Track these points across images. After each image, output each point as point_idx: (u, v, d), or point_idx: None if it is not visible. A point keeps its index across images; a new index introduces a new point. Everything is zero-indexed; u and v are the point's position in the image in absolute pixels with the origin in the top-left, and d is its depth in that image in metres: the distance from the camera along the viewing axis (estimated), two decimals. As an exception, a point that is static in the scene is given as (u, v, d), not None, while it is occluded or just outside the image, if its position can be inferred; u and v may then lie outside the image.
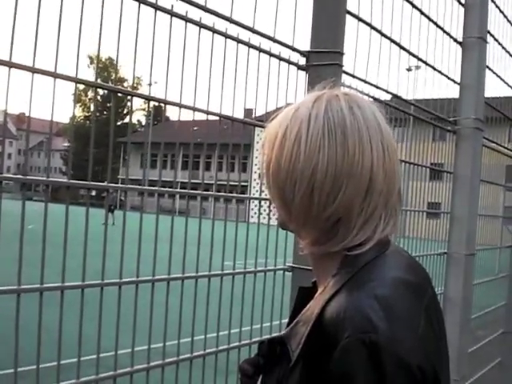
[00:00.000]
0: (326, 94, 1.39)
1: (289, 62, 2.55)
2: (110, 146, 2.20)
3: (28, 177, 1.88)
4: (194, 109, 2.24)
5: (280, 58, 2.52)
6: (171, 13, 2.11)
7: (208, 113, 2.30)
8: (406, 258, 1.41)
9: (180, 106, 2.19)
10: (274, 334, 1.42)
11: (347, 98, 1.37)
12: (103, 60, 76.80)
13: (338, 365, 1.19)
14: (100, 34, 1.98)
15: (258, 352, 1.46)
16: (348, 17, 2.67)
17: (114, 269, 2.12)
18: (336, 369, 1.19)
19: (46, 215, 1.92)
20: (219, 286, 2.48)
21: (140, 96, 2.27)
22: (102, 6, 1.93)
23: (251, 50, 2.41)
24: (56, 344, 1.96)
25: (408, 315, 1.23)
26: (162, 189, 2.35)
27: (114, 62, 71.87)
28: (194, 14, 2.18)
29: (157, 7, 2.06)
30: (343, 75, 2.64)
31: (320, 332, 1.25)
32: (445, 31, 3.83)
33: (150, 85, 2.30)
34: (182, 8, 2.14)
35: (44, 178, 1.89)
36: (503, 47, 5.12)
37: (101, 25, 1.95)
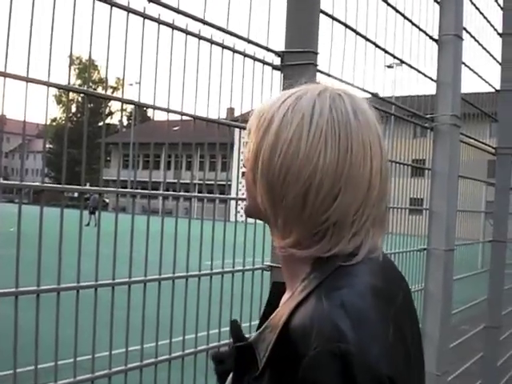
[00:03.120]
0: (329, 90, 1.33)
1: (263, 62, 2.55)
2: (84, 147, 2.19)
3: (2, 181, 1.88)
4: (168, 110, 2.25)
5: (254, 59, 2.53)
6: (144, 15, 2.11)
7: (182, 114, 2.30)
8: (379, 263, 1.34)
9: (154, 107, 2.20)
10: (248, 337, 1.37)
11: (351, 99, 1.32)
12: (83, 61, 76.45)
13: (307, 375, 1.15)
14: (72, 35, 1.98)
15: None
16: (322, 16, 2.68)
17: (92, 270, 2.13)
18: (305, 379, 1.15)
19: (19, 218, 1.92)
20: (197, 287, 2.48)
21: (113, 98, 2.27)
22: (74, 8, 1.93)
23: (226, 50, 2.42)
24: (30, 348, 1.95)
25: (376, 323, 1.19)
26: (137, 191, 2.36)
27: (95, 63, 71.55)
28: (167, 16, 2.19)
29: (129, 10, 2.06)
30: (319, 74, 2.65)
31: (287, 340, 1.22)
32: (420, 29, 3.85)
33: (122, 86, 2.30)
34: (155, 10, 2.14)
35: (18, 183, 1.89)
36: (479, 43, 5.16)
37: (72, 25, 1.94)
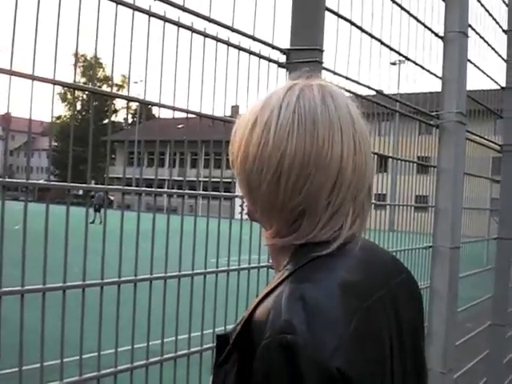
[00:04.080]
0: (299, 83, 1.36)
1: (269, 59, 2.55)
2: (89, 145, 2.19)
3: (7, 179, 1.88)
4: (174, 108, 2.24)
5: (260, 56, 2.53)
6: (149, 13, 2.11)
7: (188, 111, 2.30)
8: (359, 257, 1.34)
9: (159, 105, 2.20)
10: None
11: (321, 87, 1.35)
12: (88, 59, 76.50)
13: (259, 364, 1.18)
14: (78, 33, 1.98)
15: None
16: (328, 14, 2.68)
17: (97, 268, 2.13)
18: (258, 368, 1.18)
19: (25, 215, 1.93)
20: (203, 285, 2.48)
21: (119, 96, 2.27)
22: (80, 5, 1.93)
23: (231, 48, 2.42)
24: (35, 345, 1.95)
25: (335, 317, 1.19)
26: (142, 188, 2.36)
27: (100, 61, 71.54)
28: (173, 14, 2.18)
29: (135, 8, 2.06)
30: (324, 72, 2.65)
31: (248, 330, 1.24)
32: (426, 26, 3.84)
33: (127, 85, 2.29)
34: (160, 8, 2.14)
35: (23, 181, 1.89)
36: (485, 41, 5.15)
37: (78, 23, 1.94)
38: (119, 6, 2.03)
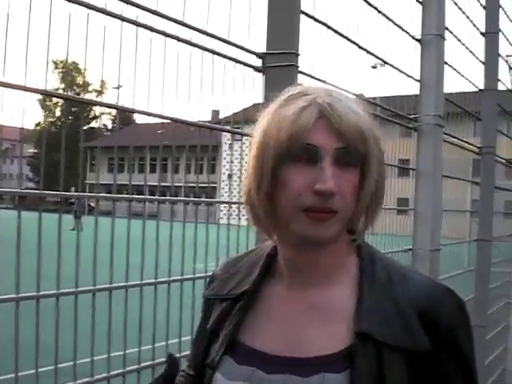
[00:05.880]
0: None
1: (245, 64, 2.53)
2: (62, 152, 2.17)
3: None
4: (148, 113, 2.22)
5: (236, 61, 2.51)
6: (122, 18, 2.08)
7: (162, 117, 2.27)
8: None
9: (133, 111, 2.18)
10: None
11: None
12: (67, 65, 76.04)
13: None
14: (49, 40, 1.96)
15: None
16: (304, 17, 2.67)
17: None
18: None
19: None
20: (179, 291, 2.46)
21: (97, 104, 2.23)
22: (50, 14, 1.90)
23: (206, 53, 2.39)
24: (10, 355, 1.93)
25: None
26: (120, 196, 2.33)
27: (79, 67, 71.19)
28: (146, 18, 2.16)
29: (107, 13, 2.03)
30: (301, 76, 2.64)
31: None
32: (402, 29, 3.84)
33: (99, 92, 2.27)
34: (133, 13, 2.12)
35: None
36: (462, 43, 5.17)
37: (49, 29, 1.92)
38: (91, 11, 2.00)
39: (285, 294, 1.39)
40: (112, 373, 2.23)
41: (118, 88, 2.21)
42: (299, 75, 2.59)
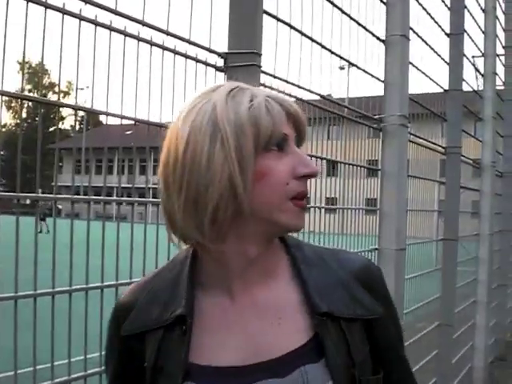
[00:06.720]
0: None
1: (206, 63, 2.51)
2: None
3: None
4: (107, 114, 2.19)
5: (197, 60, 2.48)
6: (79, 17, 2.05)
7: (122, 117, 2.24)
8: None
9: (92, 111, 2.15)
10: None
11: None
12: (33, 65, 75.46)
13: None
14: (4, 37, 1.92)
15: None
16: (266, 17, 2.66)
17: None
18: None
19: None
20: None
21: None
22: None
23: (167, 52, 2.36)
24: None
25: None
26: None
27: (45, 67, 70.59)
28: (105, 17, 2.13)
29: (64, 11, 1.99)
30: (264, 76, 2.63)
31: None
32: (366, 29, 3.85)
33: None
34: (92, 12, 2.08)
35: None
36: (427, 44, 5.20)
37: (4, 29, 1.88)
38: (49, 9, 1.96)
39: (228, 303, 1.31)
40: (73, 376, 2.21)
41: (81, 89, 2.17)
42: (262, 75, 2.57)
